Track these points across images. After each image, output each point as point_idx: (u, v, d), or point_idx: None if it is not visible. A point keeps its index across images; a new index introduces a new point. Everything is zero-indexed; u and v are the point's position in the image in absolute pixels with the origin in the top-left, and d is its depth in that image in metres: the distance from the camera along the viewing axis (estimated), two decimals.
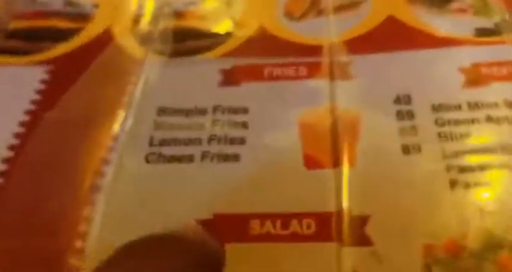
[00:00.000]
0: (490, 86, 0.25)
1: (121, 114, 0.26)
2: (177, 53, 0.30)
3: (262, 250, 0.20)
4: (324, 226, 0.20)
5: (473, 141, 0.22)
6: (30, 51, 0.30)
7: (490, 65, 0.26)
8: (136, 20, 0.32)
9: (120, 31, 0.31)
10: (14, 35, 0.32)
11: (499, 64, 0.26)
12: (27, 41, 0.31)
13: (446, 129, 0.23)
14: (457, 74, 0.25)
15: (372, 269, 0.19)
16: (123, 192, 0.23)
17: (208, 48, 0.30)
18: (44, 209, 0.22)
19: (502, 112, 0.23)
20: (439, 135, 0.23)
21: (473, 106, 0.24)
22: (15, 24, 0.32)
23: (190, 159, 0.23)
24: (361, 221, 0.20)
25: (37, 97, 0.27)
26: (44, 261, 0.21)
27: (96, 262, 0.20)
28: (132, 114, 0.26)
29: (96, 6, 0.33)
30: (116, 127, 0.26)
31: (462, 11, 0.29)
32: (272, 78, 0.27)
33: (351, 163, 0.22)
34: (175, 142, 0.24)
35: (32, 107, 0.27)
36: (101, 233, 0.21)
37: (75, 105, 0.27)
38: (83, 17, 0.33)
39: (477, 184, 0.21)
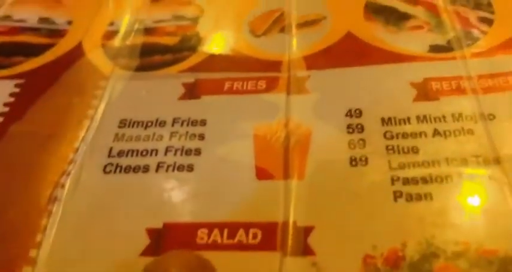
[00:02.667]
0: (439, 100, 0.25)
1: (85, 126, 0.26)
2: (142, 68, 0.30)
3: (208, 258, 0.19)
4: (270, 236, 0.20)
5: (419, 154, 0.22)
6: (2, 66, 0.30)
7: (441, 79, 0.26)
8: (108, 36, 0.32)
9: (91, 47, 0.32)
10: None
11: (449, 79, 0.26)
12: (0, 56, 0.31)
13: (394, 142, 0.23)
14: (409, 88, 0.26)
15: None
16: (79, 203, 0.22)
17: (173, 63, 0.30)
18: (3, 219, 0.22)
19: (449, 125, 0.23)
20: (387, 147, 0.23)
21: (422, 119, 0.24)
22: None
23: (145, 169, 0.23)
24: (305, 232, 0.20)
25: (5, 109, 0.27)
26: None
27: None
28: (94, 126, 0.26)
29: (69, 23, 0.34)
30: (79, 139, 0.26)
31: (418, 27, 0.30)
32: (232, 91, 0.27)
33: (300, 176, 0.22)
34: (132, 153, 0.24)
35: (0, 119, 0.27)
36: (54, 244, 0.21)
37: (41, 117, 0.27)
38: (56, 33, 0.33)
39: (419, 196, 0.21)
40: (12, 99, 0.28)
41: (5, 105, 0.28)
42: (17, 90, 0.29)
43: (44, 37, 0.33)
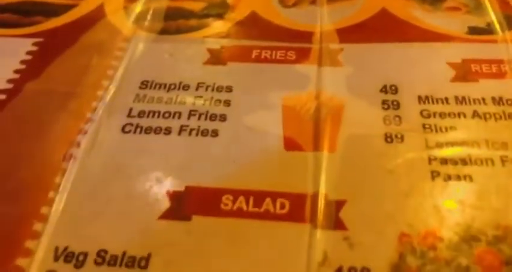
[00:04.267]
0: (478, 82, 0.23)
1: (104, 86, 0.25)
2: (166, 31, 0.28)
3: (232, 225, 0.18)
4: (298, 207, 0.18)
5: (457, 134, 0.21)
6: (21, 24, 0.29)
7: (480, 62, 0.24)
8: None
9: (113, 9, 0.30)
10: (7, 8, 0.30)
11: (489, 62, 0.24)
12: (19, 14, 0.30)
13: (431, 120, 0.22)
14: (447, 68, 0.24)
15: (343, 254, 0.17)
16: (95, 162, 0.21)
17: (198, 28, 0.28)
18: (16, 176, 0.21)
19: (489, 108, 0.22)
20: (424, 126, 0.21)
21: (461, 100, 0.22)
22: None
23: (167, 131, 0.22)
24: (337, 205, 0.19)
25: (22, 67, 0.26)
26: (6, 226, 0.19)
27: (58, 228, 0.19)
28: (114, 86, 0.24)
29: None
30: (97, 98, 0.24)
31: (455, 9, 0.28)
32: (260, 60, 0.25)
33: (331, 149, 0.21)
34: (154, 114, 0.22)
35: (16, 76, 0.25)
36: (67, 202, 0.19)
37: (59, 76, 0.26)
38: None
39: (458, 177, 0.19)
40: (29, 57, 0.27)
41: (22, 62, 0.26)
42: (34, 48, 0.27)
43: None
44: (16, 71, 0.26)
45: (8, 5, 0.31)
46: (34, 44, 0.27)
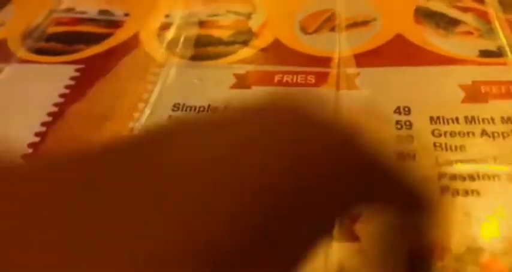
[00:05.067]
0: (488, 103, 0.25)
1: (139, 109, 0.27)
2: (196, 57, 0.30)
3: None
4: None
5: (466, 152, 0.22)
6: (64, 52, 0.32)
7: (490, 83, 0.25)
8: (164, 27, 0.33)
9: (147, 37, 0.32)
10: (52, 38, 0.33)
11: (499, 83, 0.25)
12: (63, 43, 0.33)
13: (442, 139, 0.23)
14: (458, 90, 0.25)
15: (358, 263, 0.19)
16: None
17: (226, 55, 0.30)
18: None
19: (498, 127, 0.23)
20: (434, 144, 0.23)
21: (470, 120, 0.24)
22: (54, 29, 0.34)
23: None
24: (352, 219, 0.20)
25: (66, 91, 0.29)
26: None
27: None
28: (149, 108, 0.27)
29: (127, 14, 0.35)
30: (133, 119, 0.26)
31: (468, 33, 0.29)
32: (281, 83, 0.27)
33: None
34: None
35: (61, 100, 0.28)
36: None
37: (98, 99, 0.28)
38: (115, 24, 0.34)
39: (466, 192, 0.21)
40: (72, 82, 0.29)
41: (66, 87, 0.29)
42: (77, 74, 0.30)
43: (103, 27, 0.34)
44: (61, 95, 0.28)
45: (53, 34, 0.33)
46: (76, 70, 0.30)
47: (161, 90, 0.28)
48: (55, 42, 0.33)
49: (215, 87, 0.28)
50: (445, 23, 0.30)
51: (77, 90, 0.29)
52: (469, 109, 0.24)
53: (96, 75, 0.29)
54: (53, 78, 0.30)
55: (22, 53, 0.32)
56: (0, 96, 0.29)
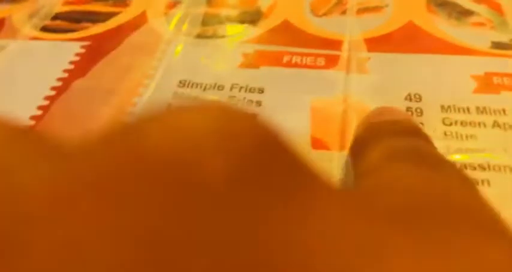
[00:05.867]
0: (500, 94, 0.24)
1: (145, 84, 0.26)
2: (203, 36, 0.30)
3: None
4: None
5: (477, 142, 0.22)
6: (71, 31, 0.31)
7: (502, 75, 0.25)
8: (171, 5, 0.32)
9: (154, 14, 0.32)
10: (58, 16, 0.32)
11: (511, 75, 0.25)
12: (70, 21, 0.32)
13: (452, 128, 0.22)
14: (470, 80, 0.25)
15: None
16: None
17: (233, 34, 0.29)
18: None
19: (509, 119, 0.23)
20: (445, 133, 0.22)
21: (482, 110, 0.23)
22: (60, 8, 0.33)
23: None
24: None
25: (71, 67, 0.28)
26: None
27: None
28: (154, 84, 0.26)
29: None
30: (138, 95, 0.26)
31: (480, 24, 0.29)
32: (290, 64, 0.26)
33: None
34: None
35: (65, 75, 0.27)
36: None
37: (103, 75, 0.27)
38: (122, 3, 0.33)
39: (477, 182, 0.20)
40: (77, 58, 0.28)
41: (71, 63, 0.28)
42: (82, 50, 0.29)
43: (111, 6, 0.33)
44: (65, 71, 0.28)
45: (60, 13, 0.33)
46: (82, 47, 0.29)
47: (167, 67, 0.27)
48: (62, 21, 0.32)
49: (222, 65, 0.27)
50: (458, 13, 0.29)
51: (81, 66, 0.28)
52: (480, 99, 0.24)
53: (101, 52, 0.29)
54: (58, 54, 0.29)
55: (28, 30, 0.31)
56: (3, 71, 0.28)
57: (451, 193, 0.11)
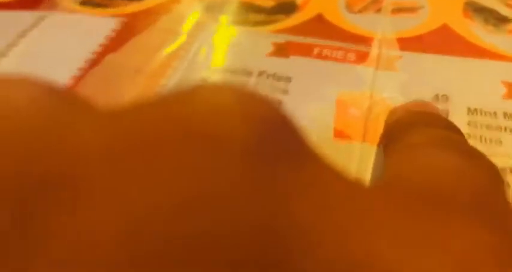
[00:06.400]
0: None
1: (174, 66, 0.27)
2: (236, 22, 0.30)
3: None
4: None
5: (501, 147, 0.21)
6: (108, 5, 0.32)
7: None
8: None
9: None
10: None
11: None
12: None
13: (477, 131, 0.22)
14: (500, 86, 0.25)
15: None
16: None
17: (266, 24, 0.30)
18: None
19: None
20: (469, 135, 0.22)
21: (509, 116, 0.23)
22: None
23: None
24: None
25: (106, 42, 0.28)
26: None
27: None
28: (183, 67, 0.26)
29: None
30: (166, 76, 0.26)
31: None
32: (320, 57, 0.26)
33: (380, 144, 0.22)
34: None
35: (99, 49, 0.28)
36: None
37: (134, 51, 0.28)
38: None
39: None
40: (113, 34, 0.29)
41: (106, 38, 0.29)
42: (118, 27, 0.30)
43: None
44: (100, 45, 0.28)
45: None
46: (118, 23, 0.30)
47: (196, 51, 0.27)
48: None
49: (251, 52, 0.27)
50: (495, 19, 0.29)
51: (116, 41, 0.28)
52: (509, 105, 0.23)
53: (136, 30, 0.29)
54: (94, 28, 0.30)
55: (67, 3, 0.32)
56: (41, 40, 0.29)
57: (480, 183, 0.12)
